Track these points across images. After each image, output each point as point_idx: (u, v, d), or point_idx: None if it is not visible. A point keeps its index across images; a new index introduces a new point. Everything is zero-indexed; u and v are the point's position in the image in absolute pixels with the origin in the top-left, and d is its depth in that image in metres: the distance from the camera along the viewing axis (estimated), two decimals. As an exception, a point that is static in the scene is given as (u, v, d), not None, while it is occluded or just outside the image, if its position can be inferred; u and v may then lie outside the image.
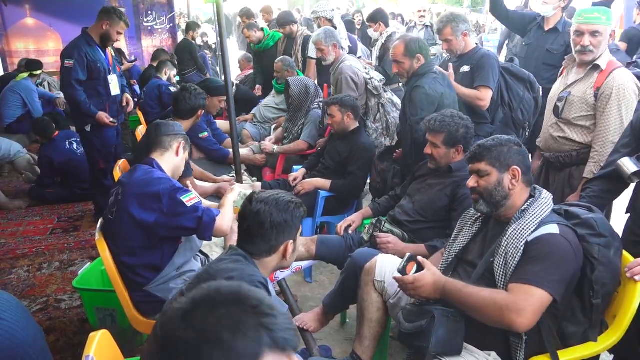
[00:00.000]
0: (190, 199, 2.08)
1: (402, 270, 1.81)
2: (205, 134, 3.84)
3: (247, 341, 0.68)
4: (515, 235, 1.72)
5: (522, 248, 1.68)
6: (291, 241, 1.62)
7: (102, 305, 2.37)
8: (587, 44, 2.59)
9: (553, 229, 1.68)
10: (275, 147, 4.22)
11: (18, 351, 1.09)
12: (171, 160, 2.29)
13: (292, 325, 0.74)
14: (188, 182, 2.87)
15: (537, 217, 1.74)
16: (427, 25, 6.85)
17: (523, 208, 1.79)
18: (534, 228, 1.71)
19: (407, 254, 1.86)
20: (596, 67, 2.63)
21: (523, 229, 1.72)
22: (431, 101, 2.85)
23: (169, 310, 0.75)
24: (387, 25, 5.42)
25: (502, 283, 1.71)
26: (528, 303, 1.58)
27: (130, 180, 2.14)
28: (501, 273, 1.72)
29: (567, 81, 2.79)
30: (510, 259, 1.70)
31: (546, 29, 3.89)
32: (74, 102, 3.87)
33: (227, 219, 2.21)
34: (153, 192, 2.06)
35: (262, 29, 5.93)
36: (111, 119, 3.97)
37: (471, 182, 1.90)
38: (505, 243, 1.73)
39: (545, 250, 1.64)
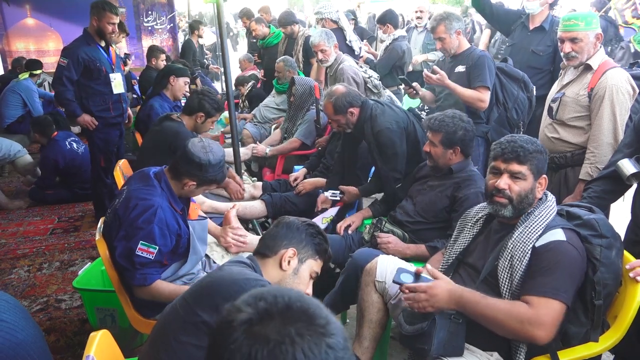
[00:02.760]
0: (147, 250, 2.01)
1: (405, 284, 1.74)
2: None
3: None
4: (522, 240, 1.70)
5: (529, 252, 1.67)
6: (293, 250, 1.57)
7: (102, 305, 2.36)
8: (568, 50, 2.64)
9: (559, 234, 1.67)
10: (268, 149, 4.22)
11: (18, 351, 1.09)
12: (178, 187, 2.18)
13: (348, 344, 0.74)
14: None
15: (543, 220, 1.73)
16: (427, 29, 6.77)
17: (529, 211, 1.78)
18: (540, 232, 1.70)
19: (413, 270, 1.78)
20: (589, 68, 2.65)
21: (530, 232, 1.71)
22: (399, 134, 2.88)
23: (227, 320, 0.73)
24: (395, 27, 5.33)
25: (506, 287, 1.71)
26: (549, 317, 1.57)
27: (131, 190, 2.10)
28: (505, 277, 1.71)
29: (563, 82, 2.80)
30: (517, 263, 1.69)
31: (531, 27, 3.68)
32: (60, 99, 3.93)
33: (166, 290, 2.07)
34: (130, 223, 2.02)
35: (268, 26, 5.93)
36: (94, 122, 3.94)
37: (502, 183, 1.77)
38: (511, 247, 1.72)
39: (556, 260, 1.63)
